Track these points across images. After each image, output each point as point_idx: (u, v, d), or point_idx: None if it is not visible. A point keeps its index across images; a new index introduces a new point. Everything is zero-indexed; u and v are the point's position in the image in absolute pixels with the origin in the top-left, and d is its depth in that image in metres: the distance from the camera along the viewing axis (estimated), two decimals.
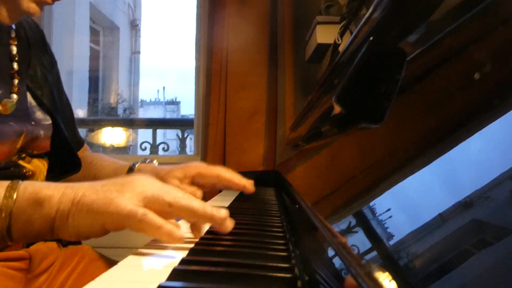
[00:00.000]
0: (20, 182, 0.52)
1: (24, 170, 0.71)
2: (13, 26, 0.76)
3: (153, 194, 0.50)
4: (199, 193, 0.79)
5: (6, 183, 0.51)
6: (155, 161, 0.91)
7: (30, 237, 0.52)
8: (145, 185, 0.51)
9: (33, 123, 0.74)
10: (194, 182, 0.82)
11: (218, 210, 0.51)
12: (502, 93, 0.26)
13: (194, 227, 0.54)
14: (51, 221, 0.50)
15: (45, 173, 0.78)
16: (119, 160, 0.95)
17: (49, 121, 0.78)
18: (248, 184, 0.83)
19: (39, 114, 0.77)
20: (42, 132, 0.75)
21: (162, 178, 0.80)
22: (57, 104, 0.83)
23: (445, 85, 0.34)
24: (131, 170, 0.88)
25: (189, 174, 0.82)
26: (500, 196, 0.23)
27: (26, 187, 0.51)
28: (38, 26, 0.87)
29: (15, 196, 0.50)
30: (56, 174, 0.82)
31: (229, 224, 0.52)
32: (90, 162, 0.94)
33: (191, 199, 0.51)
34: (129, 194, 0.49)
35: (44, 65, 0.83)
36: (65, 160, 0.84)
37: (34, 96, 0.76)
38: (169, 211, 0.49)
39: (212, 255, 0.44)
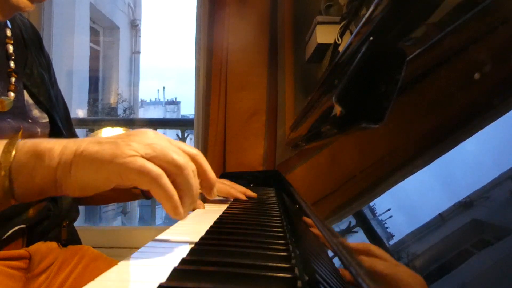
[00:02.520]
0: (20, 139, 0.49)
1: None
2: (9, 25, 0.77)
3: (162, 149, 0.46)
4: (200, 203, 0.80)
5: (4, 141, 0.49)
6: None
7: (33, 193, 0.49)
8: (153, 138, 0.48)
9: (30, 120, 0.74)
10: None
11: (214, 187, 0.50)
12: (502, 93, 0.26)
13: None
14: (53, 174, 0.47)
15: None
16: None
17: (46, 119, 0.78)
18: (244, 194, 0.91)
19: (36, 112, 0.77)
20: (39, 130, 0.75)
21: None
22: (54, 102, 0.83)
23: (445, 85, 0.34)
24: None
25: None
26: (500, 196, 0.23)
27: (26, 142, 0.49)
28: (34, 27, 0.87)
29: (13, 152, 0.47)
30: None
31: (214, 194, 0.51)
32: None
33: (195, 175, 0.48)
34: (136, 145, 0.46)
35: (41, 65, 0.83)
36: None
37: (31, 94, 0.76)
38: (174, 172, 0.46)
39: (212, 255, 0.44)
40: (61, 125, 0.81)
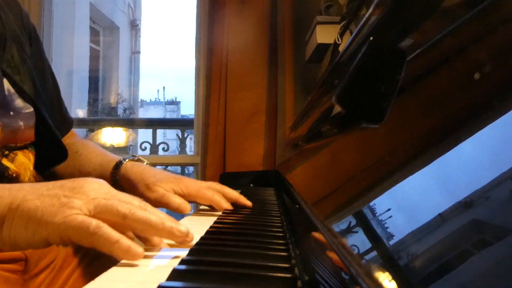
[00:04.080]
0: None
1: (9, 172, 0.65)
2: None
3: (106, 202, 0.44)
4: (188, 206, 0.72)
5: None
6: (145, 162, 0.83)
7: None
8: (97, 191, 0.45)
9: (11, 113, 0.66)
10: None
11: (178, 225, 0.46)
12: (502, 93, 0.26)
13: (148, 242, 0.48)
14: None
15: (31, 169, 0.71)
16: (107, 152, 0.86)
17: (31, 109, 0.70)
18: (236, 202, 0.77)
19: (19, 102, 0.68)
20: (21, 123, 0.68)
21: (148, 187, 0.74)
22: (39, 90, 0.73)
23: (445, 85, 0.34)
24: (117, 167, 0.79)
25: (177, 191, 0.74)
26: (500, 196, 0.23)
27: None
28: (19, 6, 0.77)
29: None
30: (42, 164, 0.75)
31: (190, 240, 0.47)
32: (76, 152, 0.85)
33: (148, 211, 0.45)
34: (79, 202, 0.43)
35: (22, 47, 0.73)
36: (51, 149, 0.76)
37: (12, 83, 0.67)
38: (124, 223, 0.43)
39: (212, 255, 0.44)
40: (47, 115, 0.73)
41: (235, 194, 0.78)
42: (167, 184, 0.74)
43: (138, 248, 0.41)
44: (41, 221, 0.42)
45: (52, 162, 0.78)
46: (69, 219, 0.41)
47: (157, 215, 0.45)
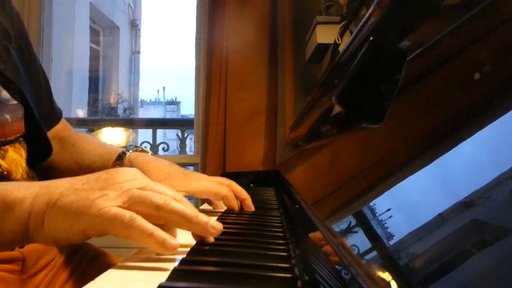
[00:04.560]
0: None
1: (0, 169, 0.63)
2: None
3: (140, 193, 0.44)
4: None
5: None
6: (150, 152, 0.80)
7: (3, 245, 0.46)
8: (131, 181, 0.45)
9: None
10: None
11: (213, 222, 0.45)
12: (502, 93, 0.26)
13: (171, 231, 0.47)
14: (25, 226, 0.44)
15: (24, 165, 0.69)
16: (107, 144, 0.83)
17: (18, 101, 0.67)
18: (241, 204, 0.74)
19: (5, 94, 0.65)
20: (8, 117, 0.65)
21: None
22: (25, 80, 0.70)
23: (445, 85, 0.34)
24: (120, 158, 0.76)
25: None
26: (500, 196, 0.23)
27: None
28: (9, 1, 0.73)
29: None
30: (34, 158, 0.73)
31: (216, 233, 0.46)
32: (73, 145, 0.82)
33: (182, 203, 0.45)
34: (113, 193, 0.43)
35: (7, 37, 0.69)
36: (39, 143, 0.73)
37: None
38: (157, 214, 0.43)
39: (212, 255, 0.44)
40: (34, 106, 0.70)
41: (244, 193, 0.75)
42: (176, 181, 0.72)
43: (173, 241, 0.41)
44: (77, 215, 0.42)
45: (39, 157, 0.75)
46: (103, 211, 0.42)
47: (192, 208, 0.45)
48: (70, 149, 0.81)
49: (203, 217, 0.44)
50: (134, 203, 0.43)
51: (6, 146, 0.66)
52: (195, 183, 0.72)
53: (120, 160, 0.76)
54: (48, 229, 0.44)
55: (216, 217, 0.67)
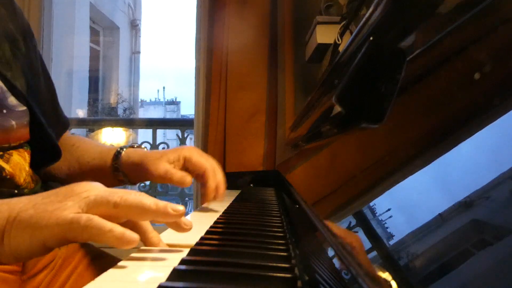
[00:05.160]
0: None
1: (4, 173, 0.64)
2: None
3: (96, 197, 0.44)
4: (189, 178, 0.73)
5: None
6: (144, 146, 0.84)
7: None
8: (88, 189, 0.46)
9: (4, 111, 0.65)
10: (184, 166, 0.77)
11: (172, 205, 0.45)
12: (502, 93, 0.26)
13: (148, 242, 0.48)
14: None
15: (27, 169, 0.70)
16: (103, 144, 0.85)
17: (24, 107, 0.68)
18: (218, 195, 0.78)
19: (12, 100, 0.66)
20: (14, 123, 0.66)
21: (154, 163, 0.75)
22: (32, 86, 0.71)
23: (445, 85, 0.34)
24: (118, 154, 0.80)
25: (182, 156, 0.76)
26: (500, 196, 0.23)
27: None
28: (13, 2, 0.74)
29: None
30: (38, 163, 0.74)
31: (188, 223, 0.48)
32: (73, 145, 0.84)
33: (139, 196, 0.45)
34: (70, 203, 0.44)
35: (15, 44, 0.70)
36: (44, 148, 0.75)
37: (4, 79, 0.65)
38: (117, 212, 0.44)
39: (212, 255, 0.44)
40: (40, 113, 0.72)
41: (203, 166, 0.77)
42: (172, 154, 0.76)
43: (132, 234, 0.41)
44: (36, 228, 0.43)
45: (45, 161, 0.77)
46: (61, 219, 0.42)
47: (149, 198, 0.45)
48: (70, 149, 0.83)
49: (162, 203, 0.45)
50: (92, 207, 0.44)
51: (11, 151, 0.67)
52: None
53: (118, 154, 0.80)
54: (8, 246, 0.44)
55: (216, 217, 0.67)
